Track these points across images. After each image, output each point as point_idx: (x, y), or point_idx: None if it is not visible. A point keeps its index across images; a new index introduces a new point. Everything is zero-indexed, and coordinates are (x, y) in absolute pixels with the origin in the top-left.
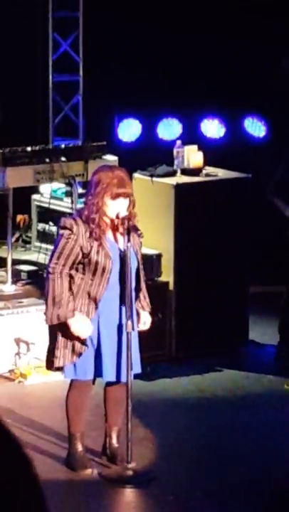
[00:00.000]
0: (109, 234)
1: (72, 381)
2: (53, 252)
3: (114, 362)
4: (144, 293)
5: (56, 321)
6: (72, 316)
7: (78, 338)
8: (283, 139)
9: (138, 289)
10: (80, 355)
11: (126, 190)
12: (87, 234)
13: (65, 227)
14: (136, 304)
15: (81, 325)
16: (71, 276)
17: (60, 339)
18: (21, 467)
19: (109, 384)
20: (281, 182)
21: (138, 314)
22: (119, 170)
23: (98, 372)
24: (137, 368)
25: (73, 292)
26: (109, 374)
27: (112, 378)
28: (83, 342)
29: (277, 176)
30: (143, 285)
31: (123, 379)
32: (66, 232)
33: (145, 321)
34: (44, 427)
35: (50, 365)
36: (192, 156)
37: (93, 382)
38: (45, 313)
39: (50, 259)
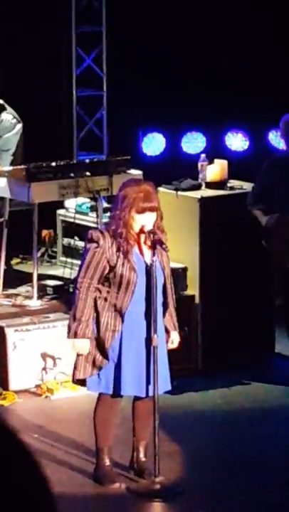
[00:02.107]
0: (135, 248)
1: (99, 395)
2: (81, 265)
3: (139, 376)
4: (171, 312)
5: (73, 336)
6: (84, 335)
7: (99, 352)
8: None
9: (165, 305)
10: (100, 368)
11: (152, 204)
12: (114, 247)
13: (92, 240)
14: (164, 320)
15: (83, 347)
16: (99, 290)
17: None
18: (29, 470)
19: (137, 398)
20: (258, 194)
21: (167, 330)
22: (146, 184)
23: (120, 388)
24: (167, 386)
25: (97, 309)
26: (130, 388)
27: (137, 393)
28: (104, 356)
29: (255, 188)
30: (171, 303)
31: (146, 393)
32: (93, 245)
33: (173, 340)
34: (71, 442)
35: (72, 377)
36: (209, 169)
37: (121, 396)
38: (68, 327)
39: (78, 274)
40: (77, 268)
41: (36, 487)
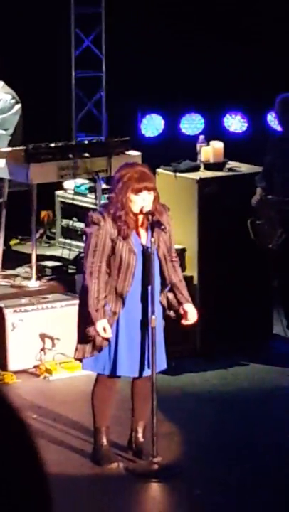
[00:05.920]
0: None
1: (98, 376)
2: (87, 250)
3: (135, 357)
4: (180, 287)
5: (99, 318)
6: (102, 317)
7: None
8: None
9: (164, 284)
10: (100, 349)
11: (148, 183)
12: (115, 229)
13: (93, 223)
14: (165, 298)
15: (105, 327)
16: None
17: (83, 332)
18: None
19: (136, 379)
20: (264, 171)
21: (164, 310)
22: (140, 166)
23: (115, 368)
24: (162, 365)
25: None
26: (127, 369)
27: (131, 373)
28: (104, 337)
29: (265, 167)
30: (176, 279)
31: (143, 374)
32: (95, 227)
33: (190, 312)
34: (69, 422)
35: (73, 355)
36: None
37: (118, 376)
38: (89, 312)
39: (86, 258)
40: (75, 249)
41: (31, 468)
